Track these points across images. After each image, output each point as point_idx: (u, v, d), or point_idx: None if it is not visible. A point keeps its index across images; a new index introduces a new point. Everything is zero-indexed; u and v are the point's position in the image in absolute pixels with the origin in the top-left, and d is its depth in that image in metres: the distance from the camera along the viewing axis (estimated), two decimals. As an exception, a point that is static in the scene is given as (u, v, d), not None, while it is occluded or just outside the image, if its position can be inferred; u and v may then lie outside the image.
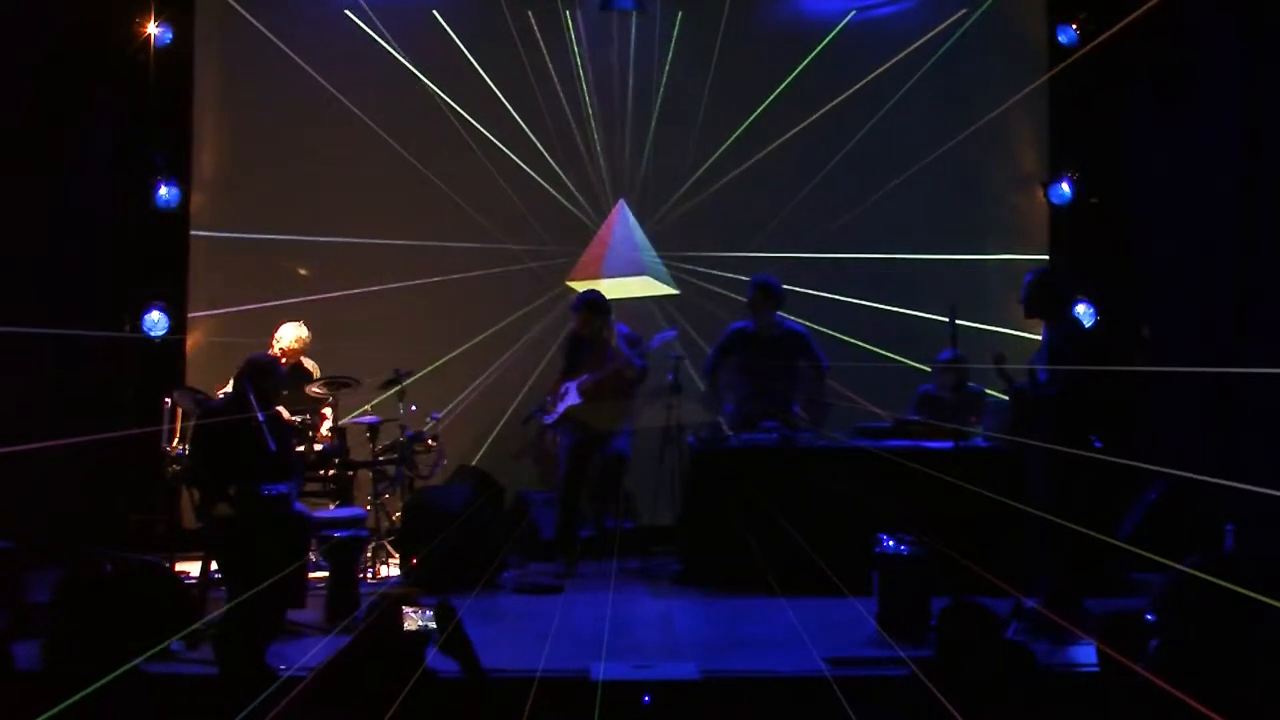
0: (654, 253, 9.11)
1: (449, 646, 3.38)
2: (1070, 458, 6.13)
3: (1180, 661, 2.98)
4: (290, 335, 7.63)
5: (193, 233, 8.68)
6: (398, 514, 7.71)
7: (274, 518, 6.05)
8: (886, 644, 5.64)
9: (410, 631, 3.29)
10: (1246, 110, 7.57)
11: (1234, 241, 7.63)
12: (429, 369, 8.22)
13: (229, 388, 6.61)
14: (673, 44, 8.99)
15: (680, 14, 9.02)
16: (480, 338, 8.74)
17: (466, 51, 8.82)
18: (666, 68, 8.96)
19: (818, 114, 8.80)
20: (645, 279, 9.10)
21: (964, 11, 8.78)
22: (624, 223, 9.11)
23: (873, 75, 8.79)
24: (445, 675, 3.47)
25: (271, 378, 6.36)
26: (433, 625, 3.30)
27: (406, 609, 3.36)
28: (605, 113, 8.99)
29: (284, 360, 7.41)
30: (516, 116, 8.84)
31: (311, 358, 7.78)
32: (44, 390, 7.63)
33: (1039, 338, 6.63)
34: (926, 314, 8.51)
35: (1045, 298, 6.40)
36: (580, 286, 8.61)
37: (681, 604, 6.94)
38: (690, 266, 9.07)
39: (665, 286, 9.12)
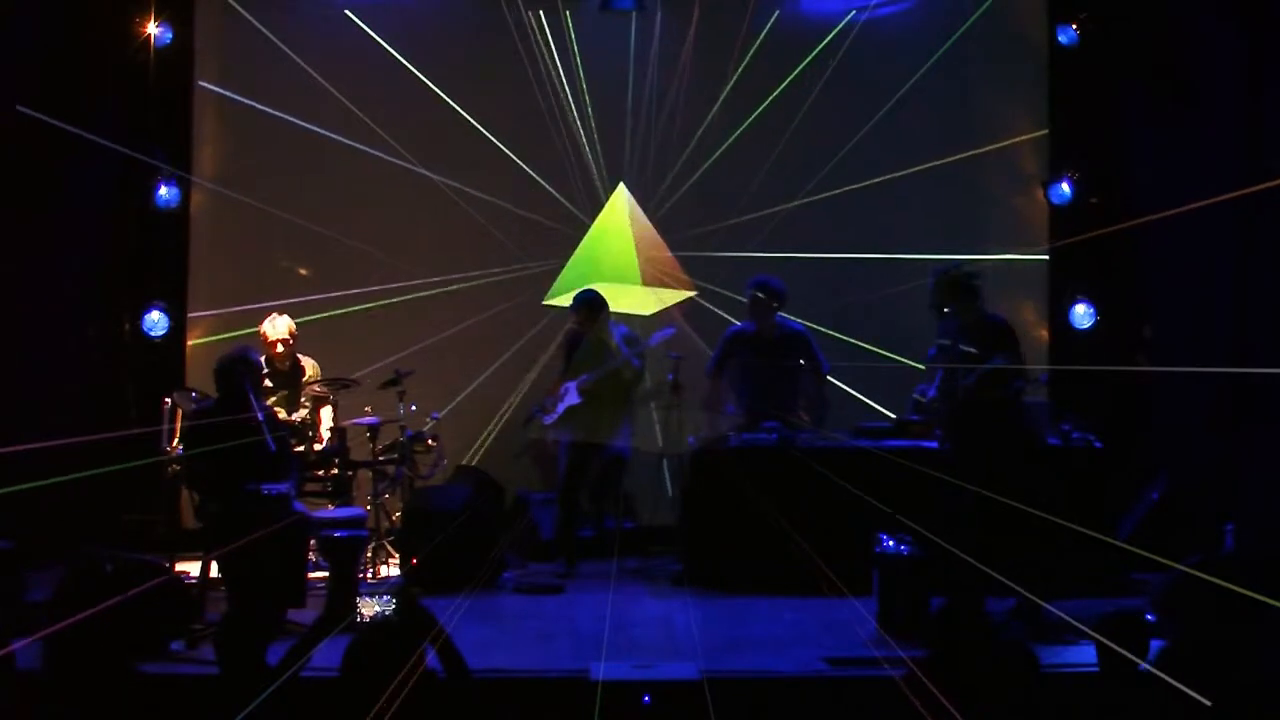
0: (658, 253, 9.07)
1: (412, 634, 3.36)
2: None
3: (1180, 661, 2.98)
4: (282, 326, 7.53)
5: (192, 233, 8.70)
6: (398, 514, 7.71)
7: (274, 518, 6.04)
8: (886, 644, 5.64)
9: (379, 621, 3.28)
10: (1246, 109, 7.56)
11: (1234, 241, 7.63)
12: (429, 369, 8.21)
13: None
14: (668, 44, 8.97)
15: (679, 14, 9.00)
16: (480, 337, 8.73)
17: (466, 52, 8.83)
18: (665, 67, 8.95)
19: (817, 114, 8.80)
20: (641, 287, 9.07)
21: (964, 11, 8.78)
22: (621, 221, 9.08)
23: (873, 76, 8.81)
24: (441, 676, 3.47)
25: (251, 369, 6.32)
26: (390, 610, 3.30)
27: (365, 597, 3.35)
28: (605, 112, 8.97)
29: (280, 351, 7.41)
30: (517, 116, 8.84)
31: (310, 356, 7.77)
32: (44, 390, 7.62)
33: (1042, 335, 6.61)
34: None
35: (958, 292, 6.49)
36: (564, 301, 8.54)
37: (681, 604, 6.93)
38: (691, 272, 9.08)
39: (670, 293, 9.08)
